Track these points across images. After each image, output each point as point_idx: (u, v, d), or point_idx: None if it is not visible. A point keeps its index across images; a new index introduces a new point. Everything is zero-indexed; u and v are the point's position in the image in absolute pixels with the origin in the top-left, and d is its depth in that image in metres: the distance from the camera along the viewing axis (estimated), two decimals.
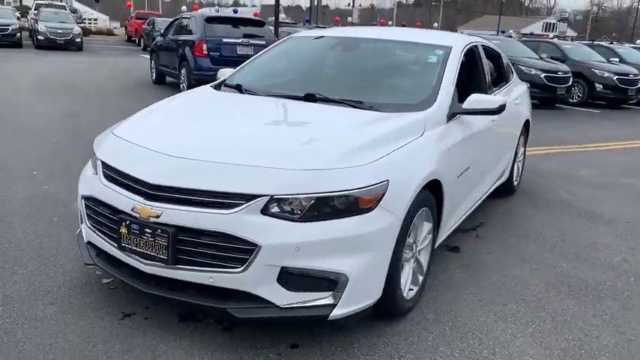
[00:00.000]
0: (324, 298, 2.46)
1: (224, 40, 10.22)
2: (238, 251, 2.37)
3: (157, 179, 2.49)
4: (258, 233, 2.35)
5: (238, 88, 3.72)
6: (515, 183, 5.50)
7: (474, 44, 4.23)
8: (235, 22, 11.09)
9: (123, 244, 2.58)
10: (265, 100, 3.46)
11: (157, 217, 2.43)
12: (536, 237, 4.34)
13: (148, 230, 2.47)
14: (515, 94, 5.03)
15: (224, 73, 4.19)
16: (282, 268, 2.38)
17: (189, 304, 2.54)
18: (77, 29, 21.94)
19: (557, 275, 3.66)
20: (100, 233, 2.75)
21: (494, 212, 4.86)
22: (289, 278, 2.40)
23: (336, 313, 2.46)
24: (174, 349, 2.55)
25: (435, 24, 59.97)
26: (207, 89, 3.83)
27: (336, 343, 2.68)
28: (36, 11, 25.35)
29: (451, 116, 3.38)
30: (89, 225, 2.83)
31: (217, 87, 3.88)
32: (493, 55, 5.02)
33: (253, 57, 4.32)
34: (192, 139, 2.78)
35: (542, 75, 12.94)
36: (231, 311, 2.44)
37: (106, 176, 2.74)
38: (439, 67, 3.62)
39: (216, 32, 10.34)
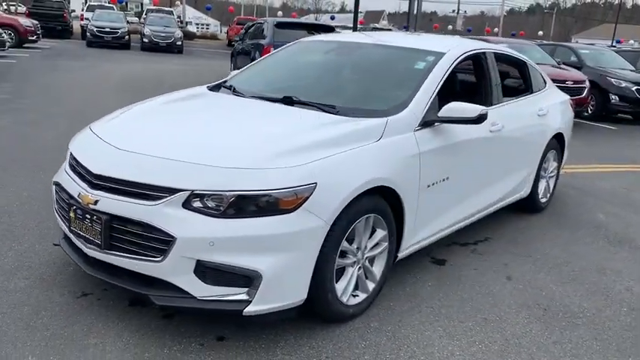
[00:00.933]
0: (239, 294, 2.53)
1: None
2: (158, 242, 2.50)
3: (99, 169, 2.69)
4: (175, 226, 2.47)
5: (231, 89, 3.87)
6: (544, 200, 5.19)
7: (479, 51, 4.07)
8: (306, 27, 11.32)
9: (71, 228, 2.80)
10: (244, 101, 3.57)
11: (95, 203, 2.63)
12: (539, 257, 4.09)
13: (88, 216, 2.67)
14: (540, 106, 4.75)
15: (232, 74, 4.37)
16: (198, 261, 2.48)
17: (123, 288, 2.70)
18: (179, 33, 23.40)
19: (539, 298, 3.44)
20: (60, 216, 3.00)
21: (506, 229, 4.63)
22: (205, 271, 2.50)
23: (251, 309, 2.52)
24: (108, 329, 2.73)
25: (540, 32, 56.84)
26: (201, 89, 4.01)
27: (262, 340, 2.74)
28: (145, 15, 27.36)
29: (425, 124, 3.30)
30: (55, 208, 3.10)
31: (216, 87, 4.04)
32: (515, 64, 4.80)
33: (259, 59, 4.46)
34: (145, 134, 2.97)
35: (634, 88, 11.98)
36: (152, 298, 2.57)
37: (70, 165, 2.99)
38: (423, 73, 3.54)
39: (285, 37, 10.61)
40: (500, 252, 4.12)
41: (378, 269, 3.13)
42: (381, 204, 2.97)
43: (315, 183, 2.58)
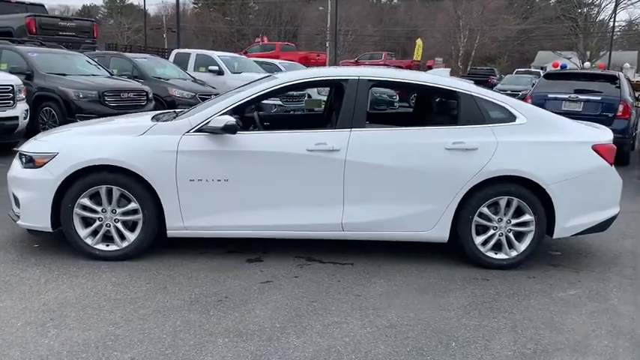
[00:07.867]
0: (18, 213, 4.27)
1: (549, 95, 9.79)
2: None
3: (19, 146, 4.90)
4: (11, 170, 4.43)
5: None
6: (499, 256, 4.27)
7: (325, 79, 4.53)
8: (581, 77, 10.15)
9: None
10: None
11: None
12: (334, 288, 3.89)
13: None
14: (460, 139, 4.11)
15: None
16: (12, 192, 4.36)
17: None
18: None
19: (239, 296, 3.63)
20: None
21: (391, 266, 4.29)
22: (14, 198, 4.35)
23: (20, 222, 4.27)
24: None
25: None
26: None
27: (52, 251, 4.32)
28: None
29: (201, 130, 4.11)
30: None
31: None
32: (445, 94, 4.62)
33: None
34: (60, 130, 4.96)
35: None
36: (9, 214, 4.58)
37: None
38: (233, 94, 4.30)
39: (548, 87, 10.00)
40: (318, 272, 4.12)
41: (135, 234, 4.18)
42: (126, 180, 4.08)
43: (57, 153, 4.09)
